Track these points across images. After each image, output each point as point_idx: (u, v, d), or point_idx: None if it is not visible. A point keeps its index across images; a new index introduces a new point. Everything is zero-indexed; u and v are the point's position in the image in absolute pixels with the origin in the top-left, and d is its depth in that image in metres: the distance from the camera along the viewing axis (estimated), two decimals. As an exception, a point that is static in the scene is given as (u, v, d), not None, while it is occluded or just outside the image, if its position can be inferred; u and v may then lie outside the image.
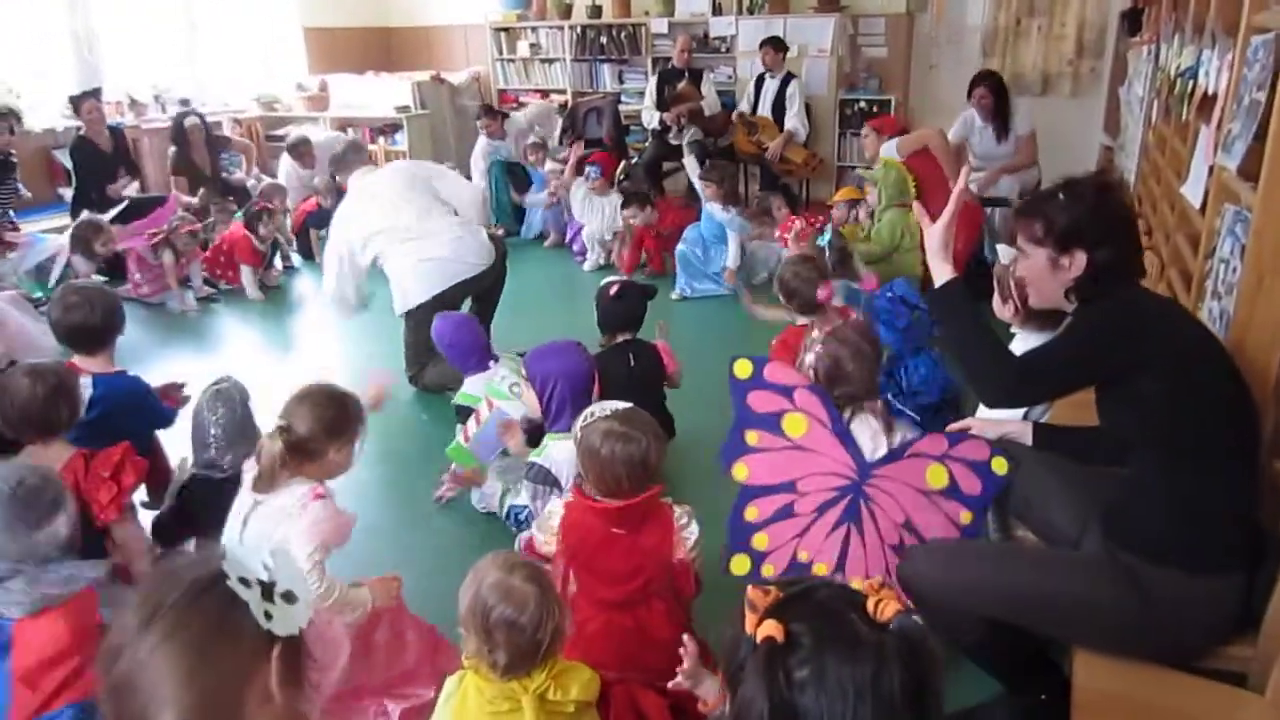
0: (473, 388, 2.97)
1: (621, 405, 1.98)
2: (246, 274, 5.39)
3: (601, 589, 1.90)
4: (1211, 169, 2.44)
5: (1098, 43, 7.09)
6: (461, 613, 1.47)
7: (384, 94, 8.04)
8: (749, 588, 0.95)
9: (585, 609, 1.89)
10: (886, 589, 0.95)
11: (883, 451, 1.98)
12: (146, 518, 2.51)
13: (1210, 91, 2.59)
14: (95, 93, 5.84)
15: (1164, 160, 3.65)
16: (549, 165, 6.58)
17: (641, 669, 1.82)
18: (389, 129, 8.02)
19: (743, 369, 1.93)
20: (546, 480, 2.37)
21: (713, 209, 5.05)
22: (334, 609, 1.81)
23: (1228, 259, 2.18)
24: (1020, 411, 2.24)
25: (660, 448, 1.84)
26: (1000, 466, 1.95)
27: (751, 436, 1.95)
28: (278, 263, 5.84)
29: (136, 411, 2.60)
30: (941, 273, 1.82)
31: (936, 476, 1.96)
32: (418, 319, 3.63)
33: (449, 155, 7.83)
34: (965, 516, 1.99)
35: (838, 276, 3.85)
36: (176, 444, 2.65)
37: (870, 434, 2.01)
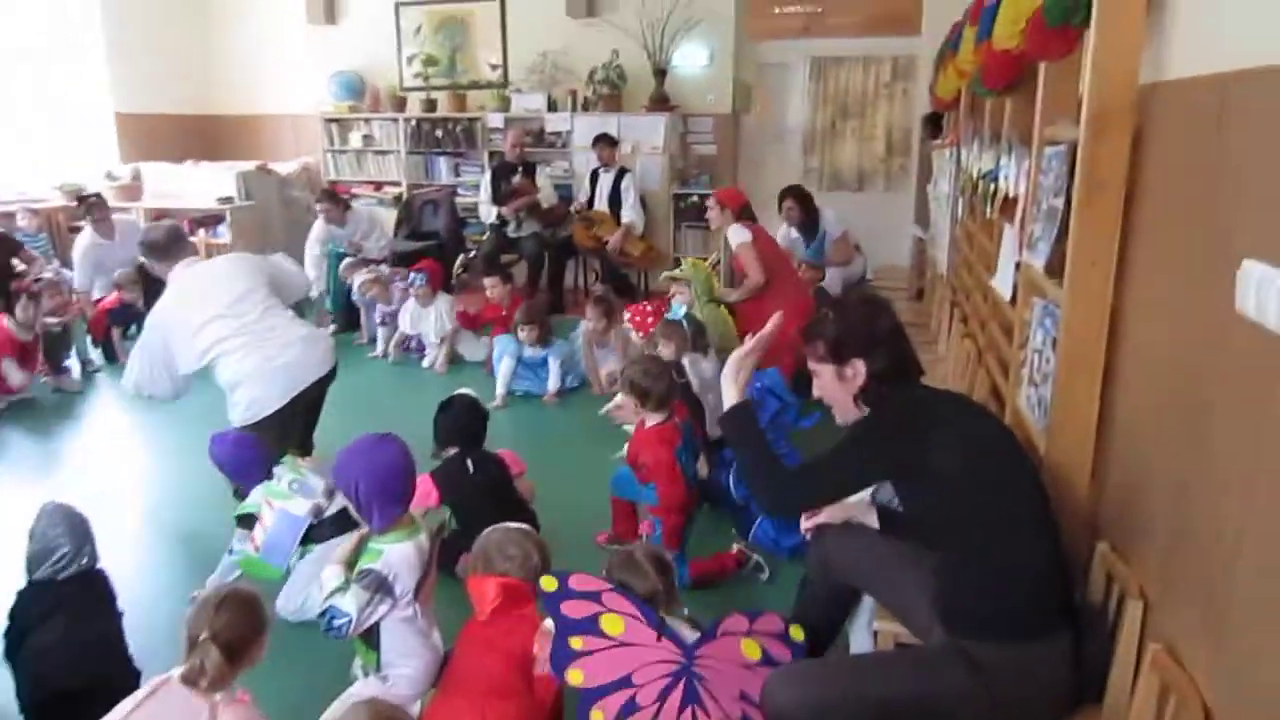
0: (254, 496, 2.76)
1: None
2: (8, 368, 4.71)
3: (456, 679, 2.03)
4: (1019, 265, 2.61)
5: (904, 143, 7.72)
6: None
7: (205, 184, 7.65)
8: None
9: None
10: None
11: (693, 636, 1.99)
12: None
13: (1011, 194, 2.80)
14: None
15: (973, 254, 3.92)
16: (361, 278, 5.96)
17: None
18: (211, 221, 7.60)
19: (549, 584, 1.95)
20: (382, 588, 2.16)
21: (532, 352, 4.93)
22: None
23: (1041, 349, 2.31)
24: (867, 494, 2.28)
25: None
26: (798, 634, 2.06)
27: (576, 641, 1.94)
28: (74, 365, 5.30)
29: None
30: (730, 396, 2.01)
31: (751, 649, 2.02)
32: (262, 428, 3.21)
33: (278, 247, 7.45)
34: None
35: (694, 350, 3.90)
36: None
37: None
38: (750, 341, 2.04)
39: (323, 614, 2.09)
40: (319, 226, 6.45)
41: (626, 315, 4.35)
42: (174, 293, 3.42)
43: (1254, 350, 1.31)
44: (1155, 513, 1.69)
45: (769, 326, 2.06)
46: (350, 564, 2.15)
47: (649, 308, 4.37)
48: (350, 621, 2.04)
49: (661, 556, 2.13)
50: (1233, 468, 1.39)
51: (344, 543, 2.36)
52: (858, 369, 1.91)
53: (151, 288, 5.01)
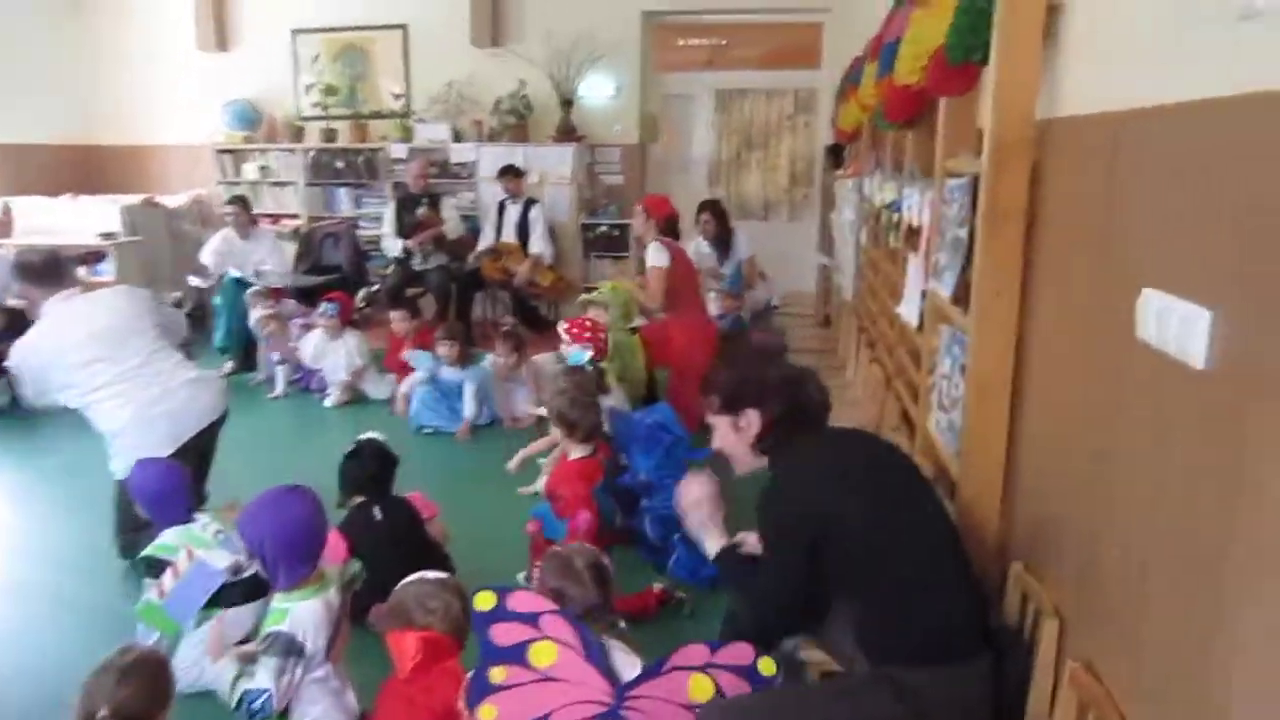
0: (170, 538, 2.55)
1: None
2: None
3: None
4: (924, 293, 2.67)
5: (808, 173, 7.90)
6: None
7: (85, 219, 7.21)
8: None
9: None
10: None
11: (634, 670, 1.88)
12: None
13: (915, 224, 2.87)
14: None
15: (878, 281, 4.01)
16: (259, 312, 5.70)
17: None
18: (92, 257, 7.18)
19: (484, 601, 1.81)
20: (292, 650, 2.04)
21: (448, 373, 4.77)
22: None
23: (949, 375, 2.36)
24: None
25: None
26: (768, 667, 1.89)
27: (498, 673, 1.82)
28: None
29: None
30: (709, 545, 2.09)
31: (700, 688, 1.87)
32: None
33: (166, 285, 7.15)
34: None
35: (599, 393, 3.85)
36: None
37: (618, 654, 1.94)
38: (690, 508, 2.11)
39: (238, 705, 1.96)
40: (223, 235, 6.20)
41: (563, 326, 4.17)
42: (47, 327, 3.13)
43: (1155, 378, 1.35)
44: (1065, 534, 1.73)
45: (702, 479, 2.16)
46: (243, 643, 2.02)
47: (588, 322, 4.26)
48: (270, 696, 1.91)
49: (600, 564, 2.06)
50: (1136, 490, 1.43)
51: (230, 631, 2.24)
52: (751, 420, 1.94)
53: (15, 325, 4.26)
